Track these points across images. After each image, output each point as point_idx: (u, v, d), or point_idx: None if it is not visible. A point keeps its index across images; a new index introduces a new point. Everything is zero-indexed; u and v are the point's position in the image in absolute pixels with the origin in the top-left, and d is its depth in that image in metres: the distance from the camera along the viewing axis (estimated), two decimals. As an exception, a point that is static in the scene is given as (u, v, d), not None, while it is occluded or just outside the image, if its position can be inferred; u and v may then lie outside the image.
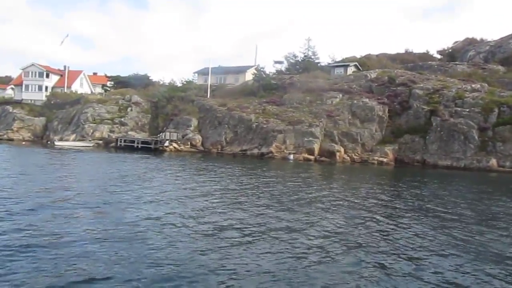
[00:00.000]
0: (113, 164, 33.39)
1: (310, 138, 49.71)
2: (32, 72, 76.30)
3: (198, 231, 11.48)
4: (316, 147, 49.41)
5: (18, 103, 72.75)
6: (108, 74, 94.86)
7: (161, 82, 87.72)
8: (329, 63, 76.60)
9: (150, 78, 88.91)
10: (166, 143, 55.13)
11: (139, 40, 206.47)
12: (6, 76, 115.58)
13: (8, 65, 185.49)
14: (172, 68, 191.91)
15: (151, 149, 53.32)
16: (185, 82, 79.18)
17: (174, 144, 56.01)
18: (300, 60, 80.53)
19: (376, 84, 57.68)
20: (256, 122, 53.93)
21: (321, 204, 17.06)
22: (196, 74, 79.52)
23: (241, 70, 74.85)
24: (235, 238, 10.91)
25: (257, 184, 23.64)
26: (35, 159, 34.80)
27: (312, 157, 48.40)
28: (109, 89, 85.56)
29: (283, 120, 53.26)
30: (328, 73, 68.68)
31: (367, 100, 53.48)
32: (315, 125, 50.92)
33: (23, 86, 76.46)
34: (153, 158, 41.94)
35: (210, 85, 66.65)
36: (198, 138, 57.02)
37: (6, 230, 10.34)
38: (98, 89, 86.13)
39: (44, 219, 11.81)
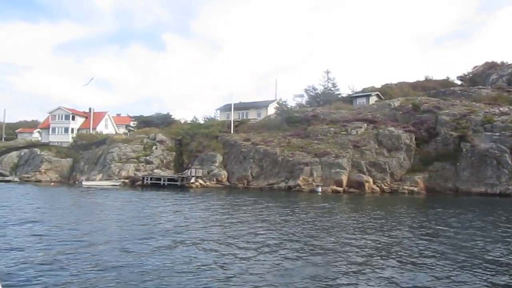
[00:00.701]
0: (147, 201, 33.31)
1: (338, 170, 49.12)
2: (58, 115, 78.42)
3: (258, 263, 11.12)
4: (344, 178, 48.74)
5: (45, 146, 74.37)
6: (131, 115, 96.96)
7: (183, 120, 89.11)
8: (350, 94, 76.67)
9: (172, 116, 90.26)
10: (192, 180, 55.18)
11: (158, 80, 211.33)
12: (33, 120, 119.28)
13: (34, 109, 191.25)
14: (190, 106, 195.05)
15: (178, 186, 53.35)
16: (207, 119, 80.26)
17: (200, 181, 56.00)
18: (320, 93, 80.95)
19: (400, 112, 57.27)
20: (282, 156, 53.70)
21: (350, 234, 16.53)
22: (218, 111, 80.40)
23: (263, 105, 75.51)
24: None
25: (297, 216, 23.16)
26: (71, 199, 35.02)
27: (340, 189, 47.66)
28: (132, 129, 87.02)
29: (309, 152, 52.91)
30: (350, 104, 68.71)
31: (392, 128, 52.94)
32: (342, 156, 50.43)
33: (50, 128, 78.51)
34: (180, 194, 41.86)
35: (233, 120, 67.12)
36: (223, 174, 56.95)
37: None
38: (122, 130, 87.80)
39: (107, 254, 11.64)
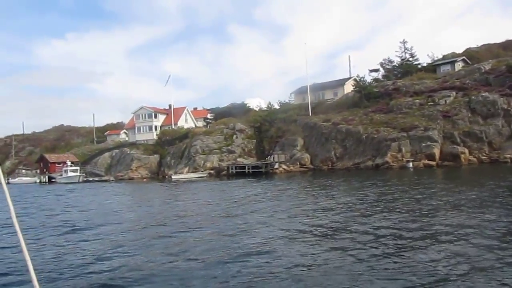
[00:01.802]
0: (240, 189, 33.60)
1: (428, 143, 46.33)
2: (142, 115, 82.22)
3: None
4: (437, 151, 45.87)
5: (133, 145, 78.53)
6: (206, 108, 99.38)
7: (258, 108, 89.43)
8: (431, 62, 71.77)
9: (247, 105, 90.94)
10: (276, 165, 55.18)
11: (227, 72, 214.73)
12: (118, 122, 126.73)
13: (114, 112, 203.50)
14: (260, 93, 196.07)
15: (262, 172, 53.61)
16: (281, 104, 79.68)
17: (283, 166, 55.88)
18: (397, 65, 76.81)
19: (493, 76, 52.46)
20: (366, 133, 51.79)
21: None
22: (293, 95, 79.54)
23: (339, 84, 73.37)
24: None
25: (395, 194, 21.93)
26: (172, 192, 36.40)
27: (433, 163, 44.95)
28: (210, 121, 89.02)
29: (394, 127, 50.46)
30: (433, 73, 64.37)
31: (486, 94, 48.69)
32: (432, 128, 47.43)
33: (136, 128, 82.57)
34: (267, 181, 41.93)
35: (310, 102, 65.94)
36: (306, 157, 56.28)
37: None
38: (200, 123, 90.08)
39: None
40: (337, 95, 71.29)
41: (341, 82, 73.58)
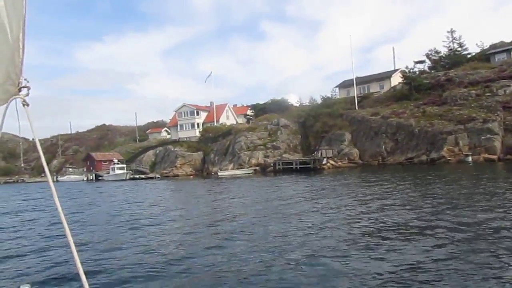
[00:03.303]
0: (293, 185, 32.72)
1: (488, 136, 43.92)
2: (184, 112, 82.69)
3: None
4: (498, 144, 43.44)
5: (176, 142, 79.04)
6: (243, 104, 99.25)
7: (299, 103, 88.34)
8: (482, 51, 68.37)
9: (288, 101, 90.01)
10: (324, 161, 53.95)
11: (261, 69, 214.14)
12: (158, 121, 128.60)
13: (152, 111, 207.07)
14: (295, 90, 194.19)
15: (310, 168, 52.47)
16: (324, 99, 78.19)
17: (331, 161, 54.61)
18: (444, 55, 73.71)
19: (556, 63, 49.36)
20: (418, 127, 49.73)
21: None
22: (337, 89, 77.83)
23: (385, 76, 71.12)
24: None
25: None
26: (221, 188, 35.96)
27: (494, 157, 42.54)
28: (251, 117, 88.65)
29: (450, 120, 48.18)
30: (486, 62, 61.24)
31: (550, 82, 45.79)
32: (491, 120, 44.94)
33: (178, 126, 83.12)
34: (317, 176, 40.84)
35: (356, 95, 64.21)
36: (355, 152, 54.79)
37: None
38: (240, 119, 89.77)
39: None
40: (384, 88, 69.10)
41: (387, 75, 71.29)
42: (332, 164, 54.06)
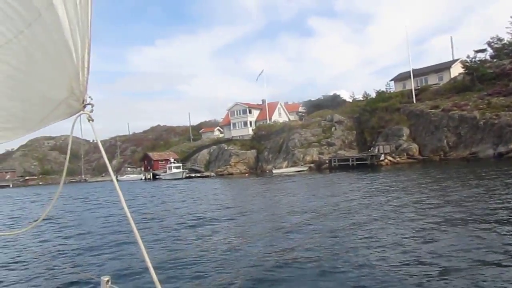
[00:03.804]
0: (355, 183, 31.93)
1: None
2: (236, 111, 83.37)
3: None
4: None
5: (229, 141, 79.89)
6: (295, 101, 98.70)
7: (351, 99, 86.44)
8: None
9: (341, 96, 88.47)
10: (381, 157, 52.41)
11: (310, 65, 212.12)
12: (210, 120, 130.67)
13: (203, 111, 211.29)
14: (345, 85, 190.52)
15: (367, 165, 51.19)
16: (379, 92, 75.98)
17: (389, 157, 52.92)
18: (508, 42, 69.34)
19: None
20: (483, 119, 47.05)
21: None
22: (392, 82, 75.36)
23: (444, 67, 67.96)
24: None
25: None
26: (279, 186, 35.84)
27: None
28: (303, 114, 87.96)
29: (519, 110, 45.26)
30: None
31: None
32: None
33: (231, 124, 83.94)
34: (376, 173, 39.75)
35: (413, 88, 61.83)
36: (414, 147, 52.77)
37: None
38: (292, 116, 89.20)
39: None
40: (443, 79, 66.07)
41: (446, 65, 68.10)
42: (390, 160, 52.41)
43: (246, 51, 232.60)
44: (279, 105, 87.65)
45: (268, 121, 79.35)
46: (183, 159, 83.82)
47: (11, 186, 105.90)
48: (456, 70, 64.11)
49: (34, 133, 2.67)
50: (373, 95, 75.01)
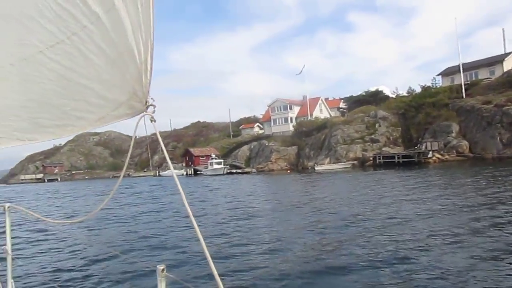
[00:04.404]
0: (403, 180, 30.84)
1: None
2: (277, 107, 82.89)
3: None
4: None
5: (269, 137, 79.54)
6: (335, 97, 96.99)
7: (395, 94, 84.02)
8: None
9: (383, 92, 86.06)
10: (429, 154, 50.56)
11: (349, 61, 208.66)
12: (249, 117, 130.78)
13: (242, 107, 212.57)
14: (385, 81, 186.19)
15: (413, 162, 49.48)
16: (424, 87, 73.43)
17: (437, 154, 51.01)
18: None
19: None
20: (541, 115, 44.49)
21: None
22: (439, 77, 72.52)
23: (496, 60, 64.63)
24: None
25: None
26: (325, 183, 35.20)
27: None
28: (344, 110, 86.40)
29: None
30: None
31: None
32: None
33: (271, 120, 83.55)
34: (424, 171, 38.35)
35: (462, 83, 59.24)
36: (464, 144, 50.59)
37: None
38: (333, 113, 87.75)
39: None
40: (495, 73, 62.90)
41: (499, 59, 64.74)
42: (438, 158, 50.52)
43: (284, 48, 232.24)
44: (320, 101, 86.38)
45: (309, 117, 78.37)
46: (223, 155, 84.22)
47: (59, 179, 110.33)
48: (510, 64, 60.92)
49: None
50: (418, 90, 72.71)
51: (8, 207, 3.29)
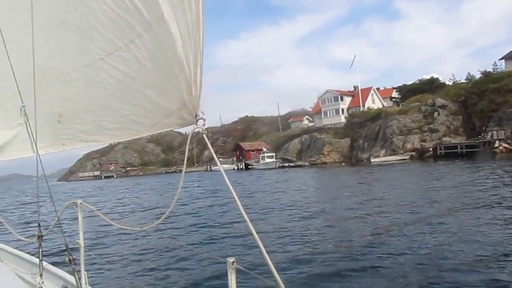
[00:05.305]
0: (473, 172, 28.94)
1: None
2: (327, 99, 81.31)
3: None
4: None
5: (320, 129, 78.20)
6: (387, 87, 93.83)
7: (452, 81, 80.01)
8: None
9: (439, 79, 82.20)
10: (496, 144, 47.63)
11: (397, 50, 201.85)
12: (298, 110, 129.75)
13: (287, 101, 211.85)
14: (436, 69, 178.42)
15: (478, 152, 46.75)
16: (484, 73, 69.34)
17: (504, 144, 47.92)
18: None
19: None
20: None
21: None
22: (502, 61, 68.17)
23: None
24: None
25: None
26: (389, 176, 33.83)
27: None
28: (397, 99, 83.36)
29: None
30: None
31: None
32: None
33: (322, 112, 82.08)
34: (491, 162, 35.91)
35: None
36: (537, 133, 47.28)
37: None
38: (385, 103, 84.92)
39: None
40: None
41: None
42: (505, 147, 47.45)
43: (329, 39, 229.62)
44: (372, 91, 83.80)
45: (361, 108, 76.25)
46: (274, 149, 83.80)
47: (114, 176, 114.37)
48: None
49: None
50: (477, 76, 68.77)
51: (80, 203, 3.43)
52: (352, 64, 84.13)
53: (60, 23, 2.70)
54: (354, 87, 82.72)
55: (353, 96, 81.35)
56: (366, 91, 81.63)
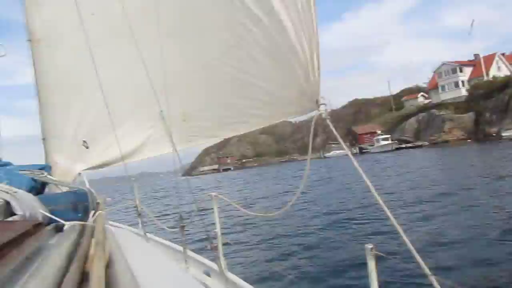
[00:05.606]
0: None
1: None
2: (444, 72, 75.34)
3: None
4: None
5: (438, 105, 72.85)
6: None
7: None
8: None
9: None
10: None
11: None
12: (410, 87, 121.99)
13: (398, 78, 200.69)
14: None
15: None
16: None
17: None
18: None
19: None
20: None
21: None
22: None
23: None
24: None
25: None
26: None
27: None
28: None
29: None
30: None
31: None
32: None
33: (439, 87, 76.33)
34: None
35: None
36: None
37: None
38: (514, 69, 75.73)
39: None
40: None
41: None
42: None
43: (438, 7, 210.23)
44: (497, 58, 75.27)
45: (485, 78, 69.15)
46: (388, 131, 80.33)
47: (232, 169, 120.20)
48: None
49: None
50: None
51: (215, 195, 3.66)
52: (470, 32, 76.63)
53: (179, 30, 2.96)
54: (475, 55, 75.22)
55: (474, 65, 74.04)
56: (489, 59, 73.63)
